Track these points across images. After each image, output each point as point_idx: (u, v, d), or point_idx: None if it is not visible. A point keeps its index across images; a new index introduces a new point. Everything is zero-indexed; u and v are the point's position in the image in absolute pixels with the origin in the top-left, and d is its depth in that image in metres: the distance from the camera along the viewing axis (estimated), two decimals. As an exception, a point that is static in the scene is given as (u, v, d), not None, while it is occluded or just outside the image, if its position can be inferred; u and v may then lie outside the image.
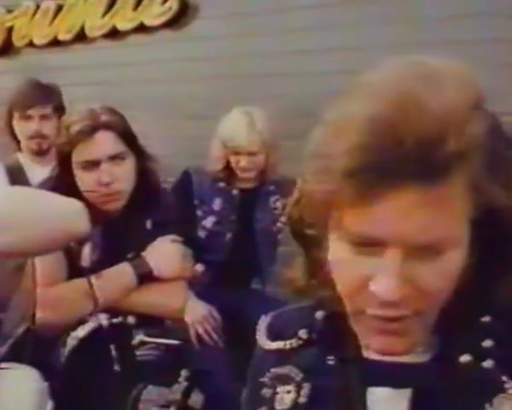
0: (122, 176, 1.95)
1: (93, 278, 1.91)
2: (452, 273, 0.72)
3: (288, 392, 0.86)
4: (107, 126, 1.93)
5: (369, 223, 0.69)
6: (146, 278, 1.99)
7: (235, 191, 2.88)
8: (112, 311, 1.96)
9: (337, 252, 0.74)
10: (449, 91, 0.68)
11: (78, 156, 1.94)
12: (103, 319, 1.96)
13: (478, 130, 0.68)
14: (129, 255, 1.99)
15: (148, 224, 2.04)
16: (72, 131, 1.91)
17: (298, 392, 0.85)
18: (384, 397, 0.80)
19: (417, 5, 3.15)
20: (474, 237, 0.72)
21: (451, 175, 0.67)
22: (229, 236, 2.86)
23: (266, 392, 0.88)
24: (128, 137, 1.97)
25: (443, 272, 0.71)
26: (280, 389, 0.87)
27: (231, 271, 2.81)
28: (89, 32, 4.29)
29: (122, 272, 1.97)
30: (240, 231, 2.86)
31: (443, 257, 0.71)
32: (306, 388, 0.85)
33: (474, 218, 0.71)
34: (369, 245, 0.71)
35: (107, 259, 1.95)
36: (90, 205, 1.96)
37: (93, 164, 1.93)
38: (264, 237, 2.87)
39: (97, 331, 1.96)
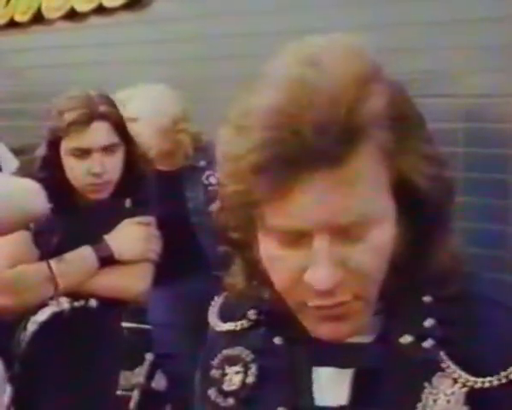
0: (112, 167, 1.94)
1: (53, 262, 1.89)
2: (383, 249, 0.72)
3: (237, 373, 0.86)
4: (103, 117, 1.90)
5: (289, 216, 0.69)
6: (108, 261, 1.97)
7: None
8: (73, 294, 1.95)
9: (268, 250, 0.74)
10: (337, 72, 0.68)
11: (69, 143, 1.91)
12: (64, 303, 1.94)
13: (374, 104, 0.68)
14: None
15: (127, 202, 2.04)
16: (68, 117, 1.87)
17: (245, 372, 0.85)
18: (328, 377, 0.81)
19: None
20: (399, 209, 0.73)
21: (355, 152, 0.68)
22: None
23: (215, 373, 0.88)
24: (121, 128, 1.97)
25: (373, 250, 0.71)
26: (229, 370, 0.87)
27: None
28: (46, 14, 4.21)
29: (83, 256, 1.95)
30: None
31: (370, 234, 0.71)
32: (254, 368, 0.85)
33: (395, 189, 0.71)
34: (296, 239, 0.71)
35: (77, 242, 1.94)
36: (74, 191, 1.95)
37: (84, 152, 1.90)
38: (198, 217, 2.64)
39: (58, 315, 1.94)
